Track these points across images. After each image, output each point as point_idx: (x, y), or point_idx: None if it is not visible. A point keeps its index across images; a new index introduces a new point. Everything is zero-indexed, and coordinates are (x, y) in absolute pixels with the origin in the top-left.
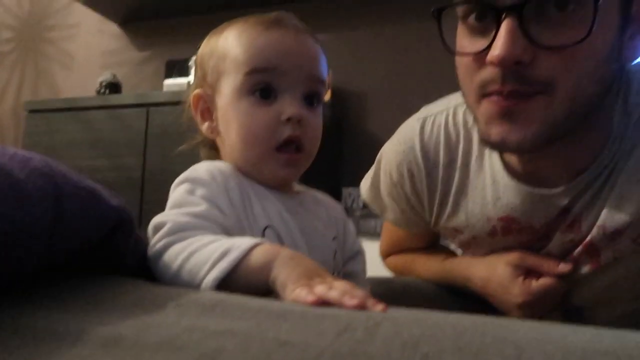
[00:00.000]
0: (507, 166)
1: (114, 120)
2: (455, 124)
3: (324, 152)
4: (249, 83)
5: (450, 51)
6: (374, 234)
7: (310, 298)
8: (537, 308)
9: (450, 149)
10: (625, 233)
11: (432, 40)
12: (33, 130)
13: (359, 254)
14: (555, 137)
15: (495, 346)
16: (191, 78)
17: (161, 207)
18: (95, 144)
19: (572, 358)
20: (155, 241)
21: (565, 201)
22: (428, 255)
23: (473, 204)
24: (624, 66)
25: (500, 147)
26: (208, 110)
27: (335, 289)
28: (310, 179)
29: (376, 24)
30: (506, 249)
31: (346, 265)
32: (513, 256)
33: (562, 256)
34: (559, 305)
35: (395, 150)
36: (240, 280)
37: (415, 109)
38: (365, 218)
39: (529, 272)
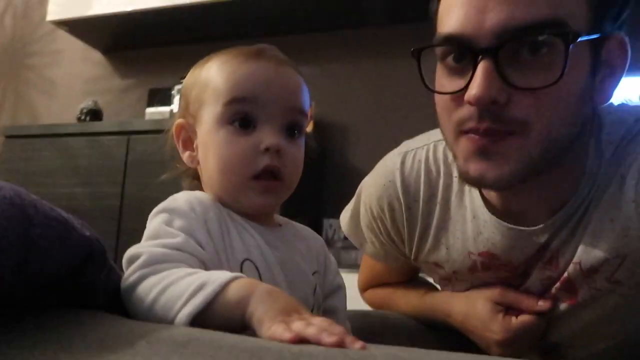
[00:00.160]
0: (486, 202)
1: (93, 148)
2: (435, 160)
3: (305, 183)
4: (228, 113)
5: (430, 90)
6: (355, 266)
7: (288, 335)
8: (516, 345)
9: (431, 184)
10: (601, 271)
11: (413, 74)
12: (10, 156)
13: (339, 289)
14: (532, 175)
15: None
16: (173, 107)
17: (139, 237)
18: (73, 171)
19: None
20: (129, 273)
21: (543, 238)
22: (407, 289)
23: (454, 239)
24: (596, 107)
25: (478, 183)
26: (189, 139)
27: (313, 325)
28: (291, 210)
29: (358, 58)
30: (486, 285)
31: (327, 301)
32: (493, 292)
33: (541, 293)
34: (538, 342)
35: (375, 184)
36: (216, 316)
37: (397, 141)
38: (346, 250)
39: (509, 309)
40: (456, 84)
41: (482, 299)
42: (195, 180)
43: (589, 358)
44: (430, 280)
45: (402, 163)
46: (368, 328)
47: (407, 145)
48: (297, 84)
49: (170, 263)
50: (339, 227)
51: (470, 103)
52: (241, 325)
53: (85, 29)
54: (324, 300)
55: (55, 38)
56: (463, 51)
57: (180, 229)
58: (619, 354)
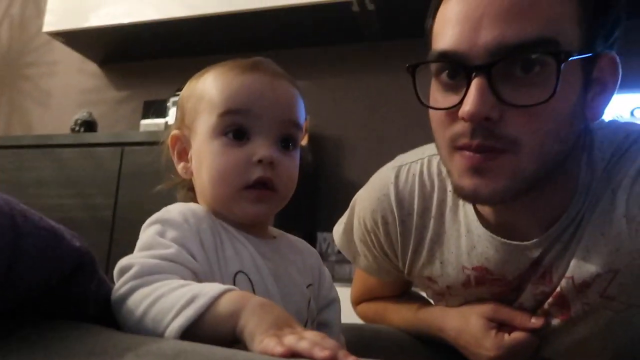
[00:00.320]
0: (480, 217)
1: (87, 159)
2: (429, 174)
3: (300, 197)
4: (222, 124)
5: (425, 105)
6: (349, 280)
7: (279, 349)
8: None
9: (425, 197)
10: (593, 286)
11: (407, 89)
12: (2, 166)
13: (334, 303)
14: (525, 191)
15: None
16: (168, 119)
17: (131, 249)
18: (66, 182)
19: None
20: (120, 284)
21: (536, 253)
22: (400, 304)
23: (448, 253)
24: (588, 124)
25: (472, 199)
26: (184, 151)
27: (306, 339)
28: (286, 222)
29: (354, 72)
30: (479, 300)
31: (321, 314)
32: (486, 308)
33: (534, 308)
34: (530, 358)
35: (369, 198)
36: (207, 329)
37: (391, 155)
38: (340, 263)
39: (502, 325)
40: (450, 100)
41: (475, 315)
42: (190, 192)
43: None
44: (424, 294)
45: (397, 177)
46: (361, 342)
47: (401, 159)
48: (292, 96)
49: (163, 274)
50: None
51: (463, 119)
52: (233, 338)
53: (81, 40)
54: (318, 314)
55: (52, 49)
56: (457, 68)
57: (173, 240)
58: None
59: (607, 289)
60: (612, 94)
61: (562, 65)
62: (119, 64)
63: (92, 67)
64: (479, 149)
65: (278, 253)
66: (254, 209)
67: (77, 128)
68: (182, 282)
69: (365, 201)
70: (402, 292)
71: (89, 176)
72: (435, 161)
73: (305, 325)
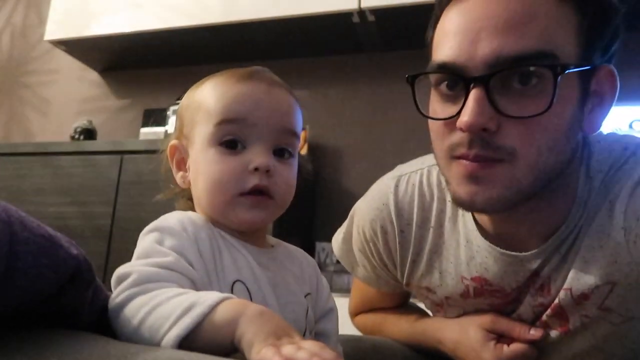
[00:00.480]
0: (479, 227)
1: (86, 167)
2: (429, 184)
3: (299, 207)
4: (218, 133)
5: (424, 115)
6: (347, 290)
7: (277, 359)
8: None
9: (424, 208)
10: (591, 297)
11: (406, 100)
12: (1, 174)
13: (332, 312)
14: (522, 201)
15: None
16: (168, 127)
17: (129, 257)
18: (64, 190)
19: None
20: (118, 293)
21: (535, 264)
22: (399, 315)
23: (447, 263)
24: (586, 136)
25: (469, 207)
26: (183, 160)
27: (304, 349)
28: (284, 232)
29: (353, 83)
30: (478, 311)
31: (319, 324)
32: (485, 319)
33: (533, 320)
34: None
35: (368, 207)
36: (204, 338)
37: (390, 166)
38: (338, 274)
39: (501, 336)
40: (449, 110)
41: (474, 326)
42: (189, 201)
43: None
44: (422, 305)
45: (396, 187)
46: (359, 353)
47: (401, 169)
48: (289, 105)
49: (161, 283)
50: (332, 250)
51: (461, 129)
52: (231, 347)
53: (82, 49)
54: (316, 323)
55: (52, 57)
56: (456, 79)
57: (172, 248)
58: None
59: (606, 301)
60: (610, 107)
61: (559, 78)
62: (120, 72)
63: (92, 75)
64: (476, 158)
65: (276, 262)
66: (250, 215)
67: (76, 136)
68: (180, 290)
69: (365, 211)
70: (401, 304)
71: (88, 184)
72: (435, 172)
73: (303, 335)
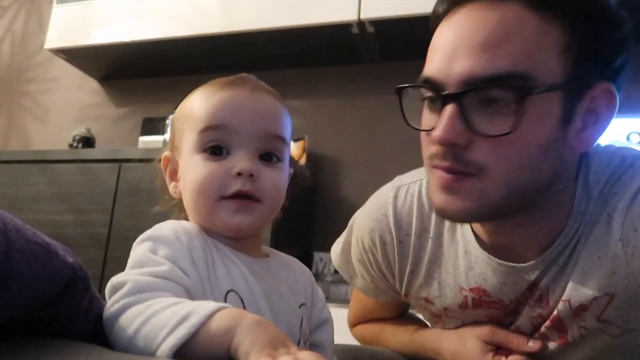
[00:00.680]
0: (478, 238)
1: (84, 175)
2: (428, 195)
3: (296, 216)
4: (202, 140)
5: (409, 125)
6: (345, 301)
7: None
8: None
9: (423, 218)
10: (590, 309)
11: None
12: None
13: (327, 323)
14: (492, 215)
15: None
16: (167, 136)
17: (125, 266)
18: (62, 198)
19: None
20: (113, 302)
21: (533, 275)
22: (398, 326)
23: (446, 274)
24: (575, 154)
25: (442, 215)
26: (175, 171)
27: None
28: (282, 242)
29: (352, 93)
30: (476, 322)
31: (313, 334)
32: (483, 331)
33: (531, 332)
34: None
35: (367, 218)
36: (200, 348)
37: (389, 176)
38: (336, 284)
39: (499, 348)
40: (430, 122)
41: (473, 338)
42: (183, 213)
43: None
44: (421, 317)
45: (395, 197)
46: None
47: (400, 179)
48: (273, 109)
49: (156, 292)
50: (330, 260)
51: (434, 142)
52: (227, 357)
53: (82, 57)
54: (311, 334)
55: (52, 65)
56: (435, 94)
57: (166, 258)
58: None
59: (604, 313)
60: (605, 125)
61: (528, 99)
62: (119, 81)
63: (92, 83)
64: (448, 170)
65: (270, 272)
66: (236, 220)
67: (75, 144)
68: (175, 299)
69: (364, 221)
70: (400, 314)
71: (86, 192)
72: None
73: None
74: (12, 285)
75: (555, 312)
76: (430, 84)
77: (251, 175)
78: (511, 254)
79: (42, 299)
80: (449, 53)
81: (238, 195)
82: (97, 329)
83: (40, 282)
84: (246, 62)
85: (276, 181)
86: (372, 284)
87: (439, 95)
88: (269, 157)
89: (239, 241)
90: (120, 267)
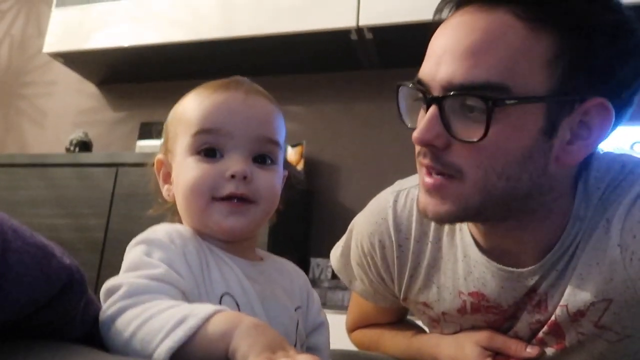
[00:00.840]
0: (476, 242)
1: (81, 179)
2: None
3: (293, 222)
4: (195, 143)
5: (403, 123)
6: (342, 307)
7: None
8: None
9: (423, 222)
10: (587, 314)
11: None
12: None
13: (322, 326)
14: (473, 218)
15: None
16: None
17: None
18: (58, 202)
19: None
20: (109, 305)
21: (532, 281)
22: (396, 331)
23: (445, 278)
24: (567, 166)
25: (424, 214)
26: (168, 174)
27: None
28: (279, 248)
29: (350, 99)
30: (474, 328)
31: (309, 338)
32: (482, 336)
33: (530, 337)
34: None
35: (367, 221)
36: (197, 351)
37: (386, 182)
38: (332, 290)
39: (497, 354)
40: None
41: (471, 343)
42: (177, 216)
43: None
44: (419, 322)
45: (395, 201)
46: None
47: (400, 184)
48: (267, 113)
49: (152, 294)
50: (326, 266)
51: (414, 142)
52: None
53: (81, 61)
54: (307, 337)
55: (50, 69)
56: (423, 95)
57: (160, 260)
58: None
59: (602, 319)
60: (597, 141)
61: (499, 109)
62: (117, 85)
63: (90, 87)
64: (428, 169)
65: (265, 275)
66: (229, 222)
67: (72, 148)
68: (172, 302)
69: (363, 224)
70: (398, 320)
71: (83, 196)
72: None
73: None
74: (8, 286)
75: (553, 318)
76: (420, 85)
77: (245, 177)
78: (509, 258)
79: (39, 301)
80: (436, 57)
81: (231, 198)
82: (94, 333)
83: (37, 284)
84: (245, 68)
85: (270, 182)
86: (371, 288)
87: (425, 97)
88: (262, 159)
89: (233, 244)
90: (116, 271)
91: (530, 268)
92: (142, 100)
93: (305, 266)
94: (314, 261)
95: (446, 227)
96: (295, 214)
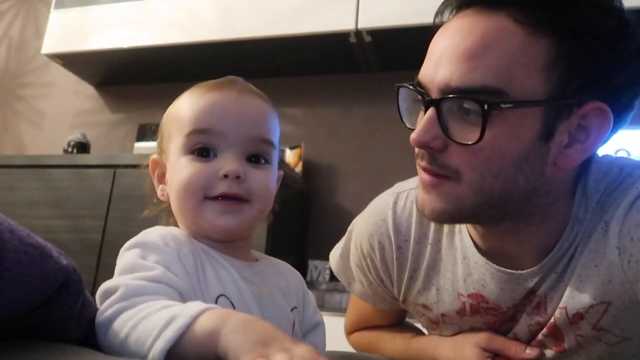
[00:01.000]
0: (476, 244)
1: (78, 181)
2: None
3: (291, 224)
4: (188, 143)
5: (403, 122)
6: (340, 309)
7: None
8: None
9: (422, 224)
10: (586, 317)
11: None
12: None
13: (318, 326)
14: (468, 219)
15: None
16: None
17: None
18: (55, 203)
19: None
20: (106, 307)
21: (531, 283)
22: (395, 333)
23: (445, 280)
24: (565, 169)
25: (421, 213)
26: (163, 174)
27: (296, 357)
28: (277, 250)
29: (349, 102)
30: (474, 329)
31: (305, 338)
32: (481, 337)
33: (529, 339)
34: None
35: (367, 223)
36: (188, 351)
37: (384, 184)
38: (330, 292)
39: (496, 355)
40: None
41: (470, 345)
42: (172, 217)
43: None
44: (418, 325)
45: (395, 203)
46: None
47: (400, 186)
48: (260, 113)
49: (148, 295)
50: (324, 268)
51: (412, 143)
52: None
53: (79, 63)
54: (303, 337)
55: (48, 71)
56: (421, 97)
57: (156, 263)
58: None
59: (600, 321)
60: (595, 144)
61: (495, 112)
62: (116, 87)
63: (88, 89)
64: (425, 170)
65: (261, 276)
66: (223, 221)
67: (70, 149)
68: (167, 302)
69: (363, 226)
70: (397, 322)
71: (80, 198)
72: None
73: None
74: (4, 286)
75: (552, 320)
76: (419, 87)
77: (238, 177)
78: (509, 260)
79: (35, 301)
80: (435, 59)
81: (224, 197)
82: (90, 334)
83: (33, 284)
84: (243, 70)
85: (264, 182)
86: (370, 289)
87: (423, 99)
88: (256, 158)
89: (228, 245)
90: (113, 273)
91: (529, 270)
92: (140, 102)
93: (303, 268)
94: (312, 263)
95: (445, 229)
96: (294, 216)
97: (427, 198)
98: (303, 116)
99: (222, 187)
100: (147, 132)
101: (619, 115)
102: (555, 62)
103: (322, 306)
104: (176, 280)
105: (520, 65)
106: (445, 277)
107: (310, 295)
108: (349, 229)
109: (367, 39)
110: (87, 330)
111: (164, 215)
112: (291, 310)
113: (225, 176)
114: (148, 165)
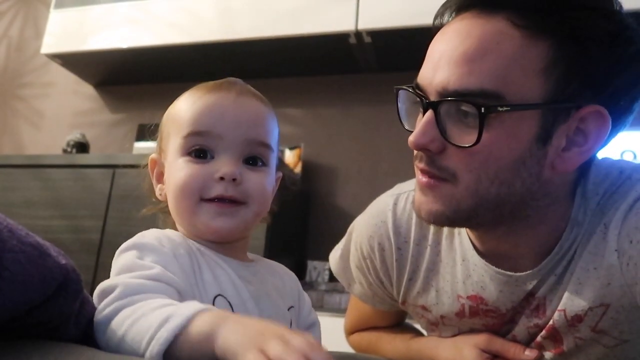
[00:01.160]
0: (474, 246)
1: (77, 181)
2: None
3: (291, 225)
4: (186, 145)
5: (402, 124)
6: (339, 310)
7: None
8: None
9: (422, 226)
10: (585, 319)
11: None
12: None
13: (314, 325)
14: (465, 222)
15: None
16: None
17: None
18: (54, 203)
19: None
20: (104, 306)
21: (531, 285)
22: (394, 334)
23: (444, 281)
24: (564, 173)
25: (418, 214)
26: (161, 174)
27: (294, 350)
28: (276, 251)
29: (349, 103)
30: (473, 331)
31: None
32: (480, 339)
33: (528, 341)
34: None
35: (367, 224)
36: (185, 351)
37: (384, 185)
38: (330, 293)
39: (495, 357)
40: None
41: (469, 346)
42: (169, 217)
43: None
44: (418, 326)
45: (395, 204)
46: None
47: (400, 187)
48: (257, 115)
49: (147, 294)
50: (323, 269)
51: (410, 145)
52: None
53: (78, 63)
54: None
55: (48, 71)
56: (420, 100)
57: (154, 263)
58: None
59: (599, 324)
60: (593, 148)
61: (492, 116)
62: (115, 87)
63: (87, 89)
64: (423, 172)
65: (257, 276)
66: (218, 222)
67: (69, 149)
68: (164, 301)
69: (363, 227)
70: (396, 323)
71: (79, 198)
72: None
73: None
74: (3, 285)
75: (551, 322)
76: (418, 89)
77: (234, 179)
78: (508, 262)
79: (34, 301)
80: (433, 62)
81: (220, 199)
82: (89, 333)
83: (32, 283)
84: (243, 70)
85: (261, 184)
86: (370, 291)
87: (422, 101)
88: (253, 161)
89: (224, 245)
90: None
91: (528, 272)
92: (140, 102)
93: (302, 269)
94: (311, 264)
95: (445, 231)
96: (293, 217)
97: (424, 200)
98: (303, 117)
99: (218, 190)
100: (147, 132)
101: (618, 119)
102: (553, 65)
103: (322, 307)
104: (175, 279)
105: (518, 68)
106: (444, 278)
107: (305, 296)
108: (348, 230)
109: (367, 39)
110: (86, 329)
111: (161, 215)
112: (288, 310)
113: (222, 178)
114: (144, 165)
